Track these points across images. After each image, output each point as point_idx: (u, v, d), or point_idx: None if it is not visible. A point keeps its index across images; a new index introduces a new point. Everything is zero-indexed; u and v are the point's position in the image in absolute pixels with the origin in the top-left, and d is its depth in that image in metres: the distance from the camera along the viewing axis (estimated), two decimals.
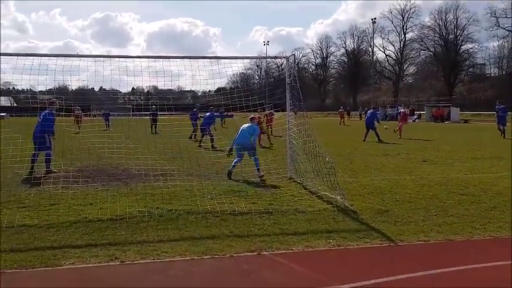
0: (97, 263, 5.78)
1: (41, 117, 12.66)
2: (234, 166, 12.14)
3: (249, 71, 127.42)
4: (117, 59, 11.00)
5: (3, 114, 54.17)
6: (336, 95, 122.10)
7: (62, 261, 5.81)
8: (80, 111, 25.66)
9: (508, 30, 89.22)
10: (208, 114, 21.22)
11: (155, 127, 29.05)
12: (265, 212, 8.26)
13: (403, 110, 29.60)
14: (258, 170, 11.97)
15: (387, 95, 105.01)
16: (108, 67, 10.83)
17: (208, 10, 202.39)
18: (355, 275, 5.48)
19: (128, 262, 5.79)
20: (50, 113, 12.62)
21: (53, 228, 7.25)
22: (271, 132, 21.96)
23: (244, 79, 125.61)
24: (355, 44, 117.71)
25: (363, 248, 6.50)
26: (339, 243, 6.64)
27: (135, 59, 10.34)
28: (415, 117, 62.56)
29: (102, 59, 11.01)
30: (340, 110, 53.35)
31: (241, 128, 12.51)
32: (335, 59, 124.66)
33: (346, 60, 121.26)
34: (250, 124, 12.54)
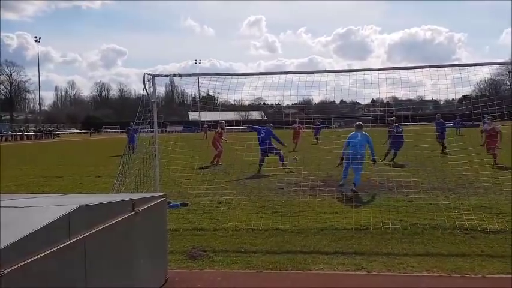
0: (344, 270, 5.99)
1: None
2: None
3: (498, 77, 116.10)
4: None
5: (256, 126, 59.91)
6: None
7: (312, 266, 6.18)
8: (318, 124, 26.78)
9: None
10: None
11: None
12: None
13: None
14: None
15: None
16: (349, 80, 11.15)
17: (453, 14, 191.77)
18: None
19: (374, 273, 5.87)
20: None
21: (302, 233, 7.77)
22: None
23: (493, 86, 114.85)
24: None
25: None
26: None
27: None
28: None
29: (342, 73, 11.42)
30: None
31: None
32: None
33: None
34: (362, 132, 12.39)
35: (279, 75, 10.88)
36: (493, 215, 8.72)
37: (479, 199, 10.28)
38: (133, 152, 12.11)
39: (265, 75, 11.16)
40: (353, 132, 12.78)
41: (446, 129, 22.48)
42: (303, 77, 10.82)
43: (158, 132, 10.17)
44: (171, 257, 6.44)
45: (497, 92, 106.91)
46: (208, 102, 15.16)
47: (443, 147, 21.62)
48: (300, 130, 26.79)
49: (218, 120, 20.46)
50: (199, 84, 13.56)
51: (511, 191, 10.09)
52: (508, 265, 5.98)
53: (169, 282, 5.45)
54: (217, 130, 20.51)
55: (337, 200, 10.45)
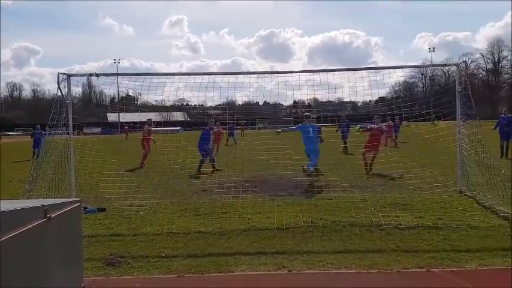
0: (266, 270, 6.02)
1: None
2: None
3: (412, 80, 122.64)
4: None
5: (178, 128, 59.15)
6: (510, 102, 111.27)
7: (234, 267, 6.15)
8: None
9: None
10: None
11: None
12: (434, 227, 7.84)
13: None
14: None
15: None
16: (272, 82, 11.32)
17: (370, 20, 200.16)
18: None
19: (295, 272, 5.94)
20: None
21: (224, 235, 7.73)
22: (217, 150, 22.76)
23: (407, 88, 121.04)
24: None
25: None
26: None
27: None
28: None
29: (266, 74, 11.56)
30: None
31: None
32: (508, 64, 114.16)
33: None
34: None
35: (201, 76, 10.82)
36: (407, 211, 9.12)
37: (394, 196, 10.73)
38: (36, 157, 11.48)
39: (188, 76, 11.05)
40: (302, 124, 14.02)
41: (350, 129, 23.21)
42: (227, 78, 10.85)
43: (74, 135, 9.74)
44: (88, 264, 6.21)
45: (411, 94, 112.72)
46: (127, 103, 14.77)
47: (345, 148, 22.46)
48: (221, 133, 26.76)
49: (141, 121, 20.08)
50: (119, 84, 13.17)
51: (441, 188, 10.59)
52: (421, 259, 6.26)
53: None
54: (145, 129, 20.10)
55: (260, 200, 10.49)
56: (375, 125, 15.69)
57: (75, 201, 5.16)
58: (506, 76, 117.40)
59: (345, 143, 22.48)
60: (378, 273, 5.84)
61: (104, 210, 9.86)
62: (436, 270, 5.89)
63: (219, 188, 11.66)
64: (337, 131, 21.86)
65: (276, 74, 11.59)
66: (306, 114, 14.37)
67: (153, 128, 20.64)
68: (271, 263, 6.27)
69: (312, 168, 13.13)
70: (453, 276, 5.69)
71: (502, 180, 8.96)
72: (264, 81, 11.62)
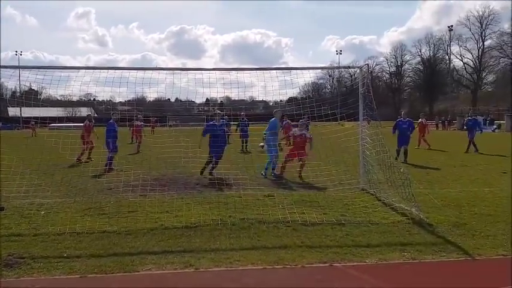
0: (173, 269, 5.96)
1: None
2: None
3: (320, 81, 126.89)
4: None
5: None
6: (411, 104, 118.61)
7: (140, 267, 6.03)
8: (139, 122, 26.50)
9: None
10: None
11: (246, 143, 23.70)
12: (337, 223, 8.16)
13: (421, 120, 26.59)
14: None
15: (465, 103, 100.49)
16: (184, 79, 11.19)
17: (281, 20, 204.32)
18: None
19: (202, 270, 5.93)
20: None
21: (130, 235, 7.55)
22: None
23: (316, 88, 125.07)
24: (431, 51, 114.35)
25: (439, 262, 6.30)
26: (413, 256, 6.48)
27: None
28: (495, 126, 60.69)
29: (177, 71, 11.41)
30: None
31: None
32: (410, 67, 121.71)
33: (421, 68, 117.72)
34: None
35: (108, 71, 10.46)
36: (313, 208, 9.41)
37: (301, 194, 11.04)
38: None
39: (94, 70, 10.65)
40: (273, 119, 14.45)
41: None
42: (136, 73, 10.56)
43: None
44: None
45: (320, 95, 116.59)
46: (29, 97, 13.96)
47: (246, 146, 23.34)
48: (141, 128, 26.04)
49: (49, 116, 19.23)
50: (20, 78, 12.40)
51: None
52: (325, 254, 6.49)
53: None
54: (85, 123, 19.72)
55: (168, 198, 10.35)
56: (298, 133, 14.77)
57: None
58: (408, 79, 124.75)
59: (246, 142, 23.04)
60: (283, 268, 5.99)
61: (2, 209, 9.24)
62: (338, 265, 6.13)
63: (125, 187, 11.33)
64: (236, 130, 22.31)
65: (188, 71, 11.50)
66: (276, 110, 14.98)
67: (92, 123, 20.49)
68: (178, 261, 6.22)
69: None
70: (354, 270, 5.95)
71: (401, 178, 9.49)
72: (175, 77, 11.43)
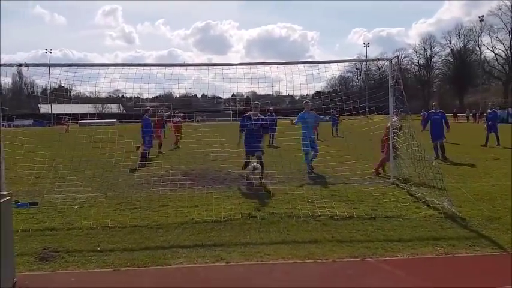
0: (204, 263, 6.00)
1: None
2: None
3: (348, 74, 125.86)
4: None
5: (113, 120, 57.57)
6: (441, 96, 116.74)
7: (171, 260, 6.10)
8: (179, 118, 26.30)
9: None
10: None
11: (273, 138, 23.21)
12: (368, 218, 8.09)
13: None
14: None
15: (497, 95, 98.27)
16: (210, 74, 11.22)
17: (306, 14, 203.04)
18: (465, 284, 5.23)
19: (233, 263, 5.95)
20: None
21: (162, 228, 7.63)
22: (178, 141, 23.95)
23: (343, 82, 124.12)
24: (461, 43, 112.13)
25: (472, 257, 6.19)
26: (447, 250, 6.37)
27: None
28: None
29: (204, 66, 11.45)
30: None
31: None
32: (440, 59, 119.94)
33: (451, 60, 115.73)
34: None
35: (137, 67, 10.57)
36: (342, 202, 9.35)
37: (330, 188, 10.97)
38: None
39: (123, 67, 10.76)
40: (302, 113, 13.85)
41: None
42: (164, 69, 10.64)
43: (3, 127, 9.29)
44: (20, 259, 5.99)
45: (347, 88, 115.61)
46: (60, 94, 14.21)
47: (272, 141, 23.25)
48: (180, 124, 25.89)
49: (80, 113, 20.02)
50: (51, 75, 12.62)
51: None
52: (356, 249, 6.44)
53: (18, 286, 5.00)
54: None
55: (198, 193, 10.43)
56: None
57: (5, 195, 4.95)
58: (437, 71, 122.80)
59: (272, 136, 23.05)
60: (313, 263, 5.96)
61: (36, 204, 9.48)
62: (370, 259, 6.07)
63: (156, 181, 11.45)
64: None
65: (214, 66, 11.53)
66: (305, 102, 14.40)
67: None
68: (209, 255, 6.25)
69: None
70: (386, 265, 5.88)
71: (433, 172, 9.33)
72: (201, 73, 11.49)
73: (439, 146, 17.36)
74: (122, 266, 5.91)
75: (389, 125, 12.14)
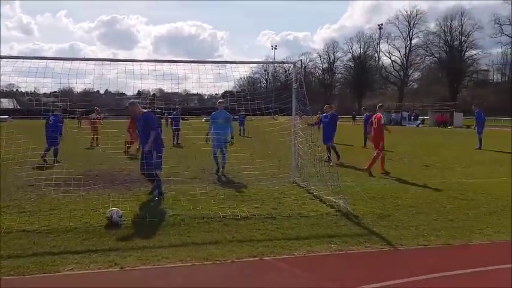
0: (96, 269, 5.66)
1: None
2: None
3: (256, 75, 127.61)
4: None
5: (6, 116, 53.78)
6: (341, 100, 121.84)
7: (61, 267, 5.68)
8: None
9: (511, 37, 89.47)
10: None
11: (177, 137, 24.14)
12: (269, 217, 8.14)
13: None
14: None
15: (392, 100, 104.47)
16: (114, 70, 10.70)
17: (216, 13, 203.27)
18: (356, 280, 5.36)
19: (128, 268, 5.67)
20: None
21: (52, 233, 7.14)
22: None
23: (251, 83, 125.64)
24: (361, 49, 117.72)
25: (364, 253, 6.42)
26: (340, 247, 6.57)
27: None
28: (419, 122, 64.22)
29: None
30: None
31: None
32: (341, 64, 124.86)
33: (352, 65, 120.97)
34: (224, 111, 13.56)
35: (30, 60, 9.82)
36: (245, 202, 9.35)
37: (234, 189, 10.92)
38: None
39: (16, 60, 9.93)
40: (216, 112, 13.39)
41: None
42: (62, 63, 9.98)
43: None
44: None
45: (255, 89, 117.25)
46: None
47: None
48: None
49: None
50: None
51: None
52: (255, 248, 6.42)
53: None
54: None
55: (95, 195, 9.91)
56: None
57: None
58: (339, 76, 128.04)
59: (177, 135, 23.49)
60: (212, 264, 5.84)
61: None
62: (268, 258, 6.07)
63: (48, 182, 10.69)
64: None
65: (119, 62, 11.02)
66: (220, 101, 14.00)
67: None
68: (102, 260, 5.90)
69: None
70: (284, 263, 5.91)
71: (330, 172, 9.61)
72: (105, 68, 10.89)
73: (331, 148, 16.50)
74: (5, 275, 5.42)
75: (374, 119, 13.37)
